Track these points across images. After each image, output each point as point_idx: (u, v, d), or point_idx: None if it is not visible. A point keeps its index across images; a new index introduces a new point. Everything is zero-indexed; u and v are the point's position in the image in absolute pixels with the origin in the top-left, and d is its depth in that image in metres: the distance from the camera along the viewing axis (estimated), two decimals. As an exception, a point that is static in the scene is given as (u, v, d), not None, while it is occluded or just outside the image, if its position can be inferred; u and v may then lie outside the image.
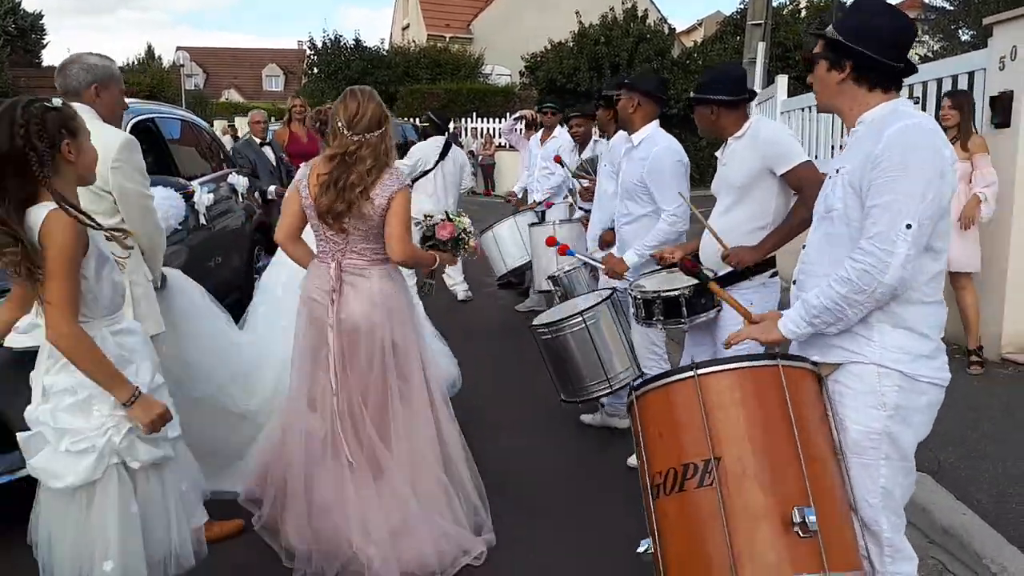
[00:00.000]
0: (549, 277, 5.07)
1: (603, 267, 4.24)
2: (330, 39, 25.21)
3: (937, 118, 5.16)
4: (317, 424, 3.14)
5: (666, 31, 25.66)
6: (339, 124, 2.97)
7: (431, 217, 3.67)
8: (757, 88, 11.71)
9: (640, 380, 2.44)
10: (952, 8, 9.90)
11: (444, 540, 3.09)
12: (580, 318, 4.01)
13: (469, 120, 22.23)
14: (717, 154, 3.51)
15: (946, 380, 2.14)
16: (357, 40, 25.09)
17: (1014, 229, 5.24)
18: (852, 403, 2.13)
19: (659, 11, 27.92)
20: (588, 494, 3.85)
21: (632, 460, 4.12)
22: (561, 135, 7.22)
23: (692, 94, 3.41)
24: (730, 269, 3.27)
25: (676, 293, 3.27)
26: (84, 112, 2.89)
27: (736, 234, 3.30)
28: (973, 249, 5.13)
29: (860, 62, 2.13)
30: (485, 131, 21.67)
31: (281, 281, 4.08)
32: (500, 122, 22.44)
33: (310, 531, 3.08)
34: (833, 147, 7.85)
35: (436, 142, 7.28)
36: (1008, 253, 5.26)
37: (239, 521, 3.34)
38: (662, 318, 3.32)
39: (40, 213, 2.15)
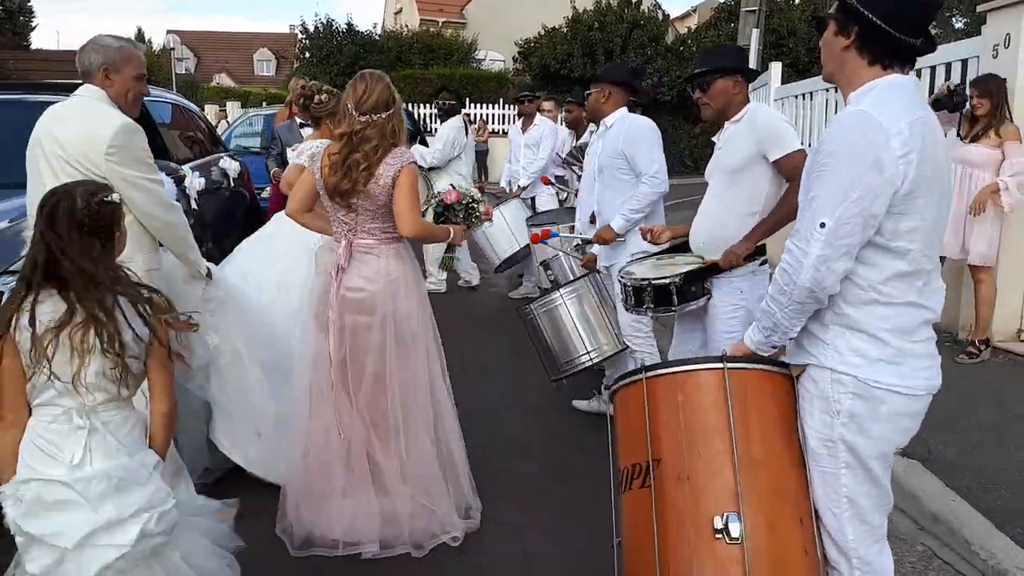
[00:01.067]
0: (541, 263, 5.11)
1: (593, 240, 4.32)
2: (322, 23, 25.01)
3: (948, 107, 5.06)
4: (325, 393, 3.18)
5: (660, 17, 25.58)
6: (348, 105, 3.02)
7: (438, 194, 3.68)
8: (751, 74, 11.69)
9: (615, 378, 2.44)
10: (946, -5, 9.90)
11: (425, 516, 3.16)
12: (558, 292, 4.22)
13: (463, 106, 22.11)
14: (714, 139, 3.50)
15: (914, 388, 1.94)
16: (349, 24, 24.89)
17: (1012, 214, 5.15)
18: (808, 407, 2.02)
19: (653, -2, 27.77)
20: (578, 480, 3.84)
21: (623, 447, 4.19)
22: (542, 123, 7.22)
23: (704, 68, 3.34)
24: (717, 258, 3.25)
25: (667, 281, 3.25)
26: (90, 94, 2.91)
27: (728, 219, 3.29)
28: (993, 241, 4.96)
29: (866, 29, 1.90)
30: (479, 117, 21.54)
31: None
32: (493, 108, 22.44)
33: (309, 509, 3.15)
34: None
35: (458, 121, 7.19)
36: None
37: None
38: (652, 305, 3.30)
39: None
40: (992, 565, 2.95)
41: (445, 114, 7.28)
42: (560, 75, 23.37)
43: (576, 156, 5.85)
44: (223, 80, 42.59)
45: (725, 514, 1.92)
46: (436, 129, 13.51)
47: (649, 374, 2.12)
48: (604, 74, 4.35)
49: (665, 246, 3.63)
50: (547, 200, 7.00)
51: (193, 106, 7.29)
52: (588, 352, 4.25)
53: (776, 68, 9.36)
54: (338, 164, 3.01)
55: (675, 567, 1.94)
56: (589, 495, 3.65)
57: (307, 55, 25.37)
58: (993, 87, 4.97)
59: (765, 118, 3.25)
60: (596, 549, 3.10)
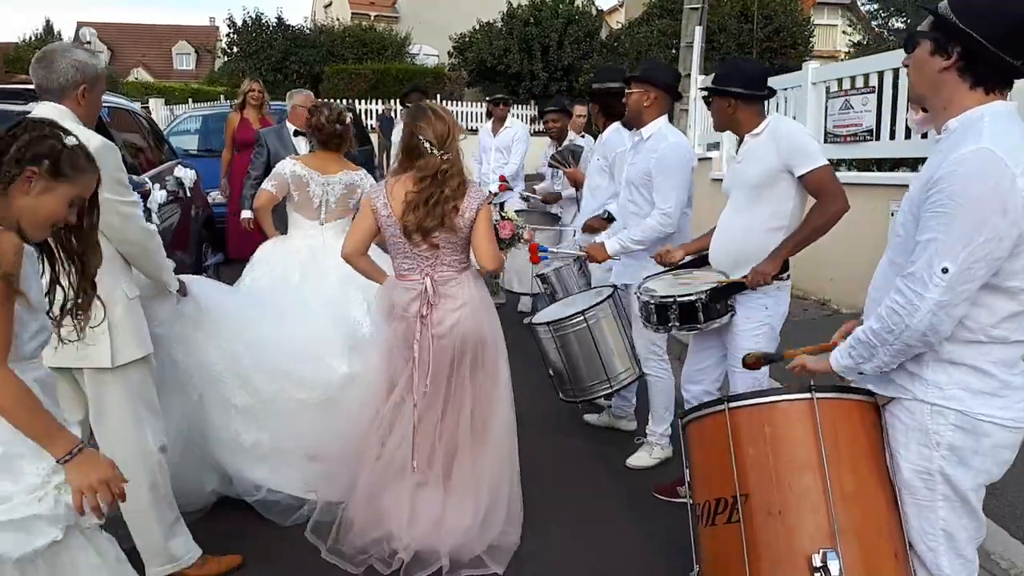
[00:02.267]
0: (537, 275, 4.95)
1: (584, 255, 4.17)
2: (250, 17, 24.25)
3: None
4: (396, 436, 3.17)
5: (594, 13, 25.71)
6: (427, 145, 2.98)
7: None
8: (693, 72, 11.79)
9: (688, 408, 2.36)
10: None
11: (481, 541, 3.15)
12: (582, 316, 3.92)
13: (398, 102, 21.73)
14: (732, 152, 3.44)
15: (1017, 421, 1.88)
16: (279, 19, 24.20)
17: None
18: (903, 439, 1.97)
19: (586, -8, 27.90)
20: (589, 494, 3.81)
21: (631, 460, 4.12)
22: (514, 125, 7.12)
23: (711, 84, 3.30)
24: (744, 274, 3.20)
25: (693, 298, 3.18)
26: (61, 115, 2.56)
27: (751, 235, 3.23)
28: None
29: (971, 50, 1.80)
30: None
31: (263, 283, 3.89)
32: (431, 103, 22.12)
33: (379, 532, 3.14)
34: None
35: None
36: None
37: (237, 557, 3.15)
38: (677, 323, 3.24)
39: None
40: (1015, 574, 2.98)
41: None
42: (497, 71, 23.28)
43: (564, 158, 5.69)
44: (141, 75, 40.91)
45: (822, 551, 1.87)
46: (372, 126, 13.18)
47: (732, 405, 2.06)
48: (651, 74, 3.85)
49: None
50: (516, 203, 6.88)
51: (134, 106, 6.85)
52: (607, 379, 4.01)
53: (730, 67, 9.42)
54: (420, 203, 2.98)
55: None
56: (601, 508, 3.66)
57: (235, 50, 24.56)
58: None
59: (788, 132, 3.18)
60: (613, 561, 3.17)
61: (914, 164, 7.54)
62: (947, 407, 1.88)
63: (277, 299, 3.69)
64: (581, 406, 4.55)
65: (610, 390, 4.05)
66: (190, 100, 22.89)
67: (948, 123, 1.88)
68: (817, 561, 1.86)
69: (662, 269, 3.72)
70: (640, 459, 4.11)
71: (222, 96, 21.96)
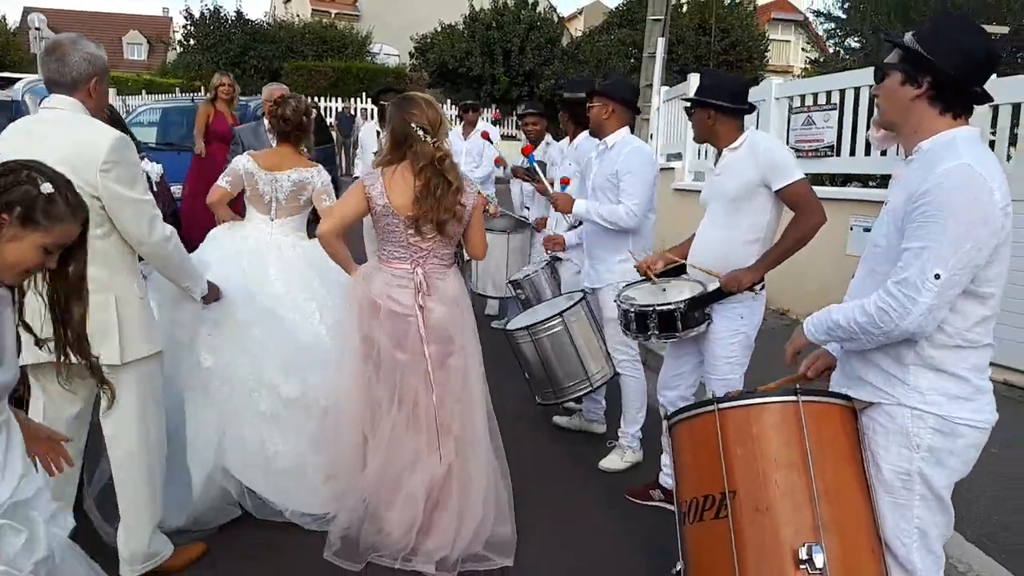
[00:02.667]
0: (511, 281, 5.01)
1: (553, 198, 4.22)
2: (208, 10, 23.85)
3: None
4: (402, 421, 3.17)
5: (555, 20, 25.90)
6: (420, 132, 2.98)
7: None
8: (655, 82, 11.98)
9: (675, 410, 2.43)
10: (844, 16, 10.47)
11: (478, 537, 3.18)
12: (560, 318, 4.02)
13: (359, 100, 21.62)
14: (695, 162, 3.53)
15: (988, 422, 2.03)
16: (239, 12, 23.84)
17: None
18: (884, 441, 2.07)
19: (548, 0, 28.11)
20: (564, 494, 3.87)
21: (603, 463, 4.19)
22: (484, 128, 7.17)
23: (693, 95, 3.38)
24: (717, 275, 3.28)
25: (672, 307, 3.26)
26: (70, 107, 2.61)
27: (730, 246, 3.30)
28: None
29: (940, 81, 1.94)
30: (375, 112, 21.11)
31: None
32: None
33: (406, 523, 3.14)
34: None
35: None
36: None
37: (201, 545, 3.19)
38: (657, 332, 3.32)
39: None
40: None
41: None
42: (459, 73, 23.31)
43: (530, 173, 5.70)
44: (90, 63, 39.80)
45: (807, 544, 1.95)
46: (332, 124, 13.05)
47: (721, 406, 2.13)
48: (610, 89, 4.08)
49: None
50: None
51: None
52: (585, 378, 4.12)
53: (694, 79, 9.60)
54: (427, 194, 2.99)
55: None
56: (578, 509, 3.72)
57: (191, 42, 24.12)
58: None
59: (767, 147, 3.25)
60: (591, 561, 3.23)
61: (866, 180, 7.81)
62: (928, 411, 1.99)
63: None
64: (552, 408, 4.62)
65: (589, 389, 4.13)
66: (143, 91, 22.40)
67: (920, 145, 2.01)
68: (803, 554, 1.93)
69: (630, 274, 3.82)
70: (612, 462, 4.19)
71: (177, 89, 21.55)
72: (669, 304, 3.27)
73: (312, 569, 3.11)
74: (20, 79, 5.08)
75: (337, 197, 3.93)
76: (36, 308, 1.96)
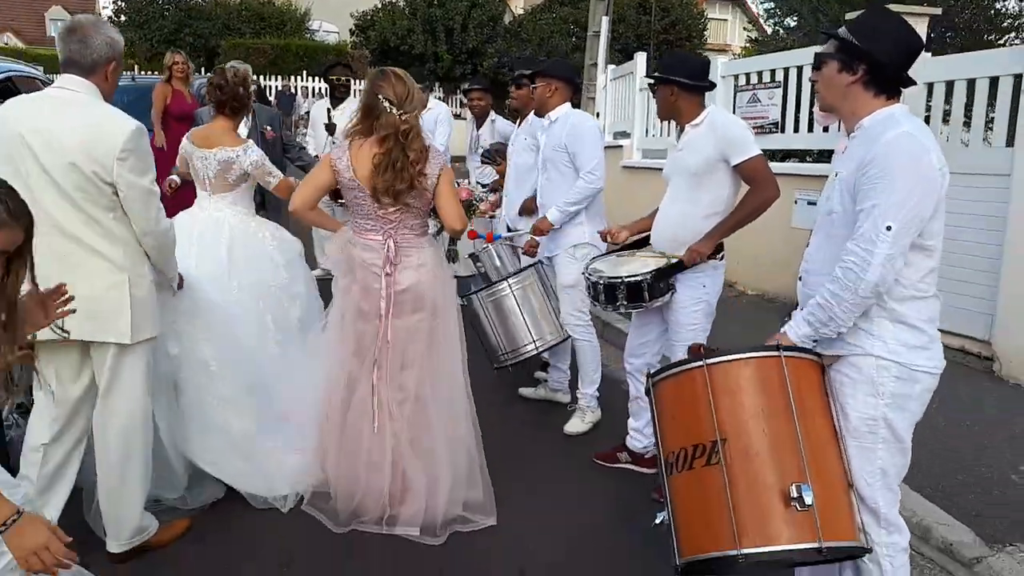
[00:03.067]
0: (470, 255, 5.13)
1: (528, 234, 4.41)
2: (140, -16, 23.05)
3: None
4: (364, 382, 3.28)
5: (497, -3, 25.77)
6: (385, 104, 3.05)
7: None
8: (600, 61, 12.14)
9: (657, 368, 2.58)
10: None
11: (453, 500, 3.29)
12: (505, 283, 4.36)
13: (299, 78, 21.25)
14: (672, 140, 3.68)
15: (939, 368, 2.25)
16: (172, -13, 23.12)
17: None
18: (851, 391, 2.26)
19: (488, -24, 27.90)
20: (534, 462, 4.02)
21: (568, 427, 4.37)
22: (436, 107, 7.17)
23: (655, 73, 3.52)
24: (680, 257, 3.42)
25: (639, 278, 3.41)
26: (85, 90, 2.62)
27: (690, 220, 3.46)
28: None
29: (873, 67, 2.18)
30: (317, 91, 20.81)
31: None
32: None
33: (361, 484, 3.26)
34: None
35: (354, 104, 6.77)
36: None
37: (185, 520, 3.24)
38: (625, 302, 3.46)
39: None
40: (916, 523, 3.34)
41: (339, 94, 6.91)
42: (400, 51, 23.03)
43: (492, 158, 5.82)
44: (10, 40, 38.08)
45: (796, 485, 2.11)
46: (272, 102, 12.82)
47: (710, 361, 2.27)
48: (551, 69, 4.37)
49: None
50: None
51: (37, 72, 6.44)
52: (533, 341, 4.39)
53: (641, 58, 9.79)
54: (385, 165, 3.04)
55: (753, 533, 2.12)
56: (548, 475, 3.88)
57: (122, 19, 23.29)
58: None
59: (725, 123, 3.42)
60: (566, 527, 3.37)
61: (803, 155, 8.11)
62: (890, 360, 2.20)
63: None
64: (520, 381, 4.78)
65: (537, 350, 4.40)
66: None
67: (861, 122, 2.24)
68: (793, 492, 2.10)
69: (585, 244, 4.07)
70: (575, 425, 4.38)
71: (109, 67, 20.81)
72: (636, 276, 3.42)
73: (299, 544, 3.19)
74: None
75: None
76: None
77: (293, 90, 19.89)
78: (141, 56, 21.60)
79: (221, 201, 3.97)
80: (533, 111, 4.65)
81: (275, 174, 4.02)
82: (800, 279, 2.46)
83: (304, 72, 21.67)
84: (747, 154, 3.33)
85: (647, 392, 2.56)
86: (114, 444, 2.84)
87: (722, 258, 3.53)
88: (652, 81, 3.61)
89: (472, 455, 3.40)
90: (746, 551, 2.12)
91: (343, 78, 6.75)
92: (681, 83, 3.43)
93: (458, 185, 3.64)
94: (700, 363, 2.27)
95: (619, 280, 3.43)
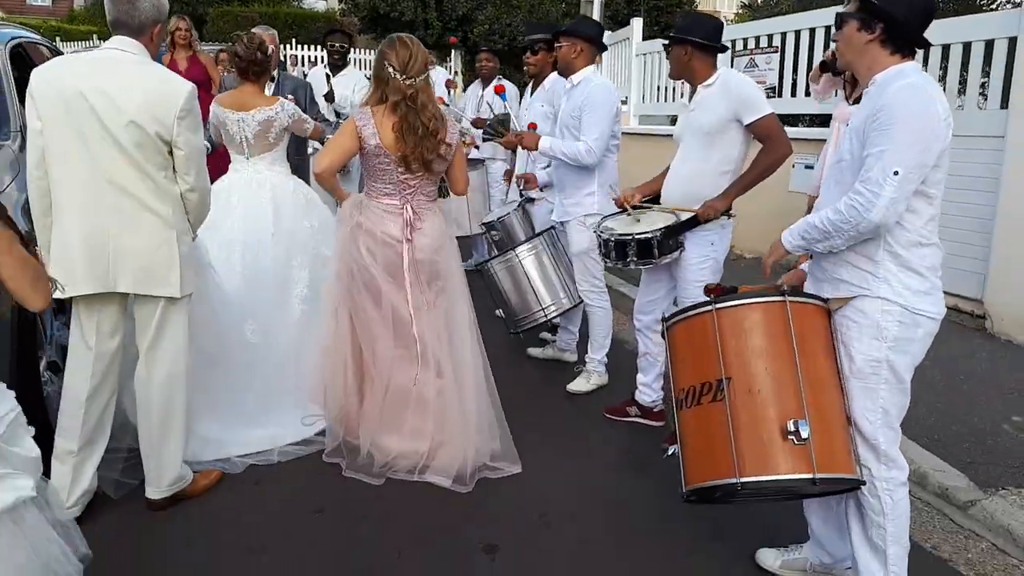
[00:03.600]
0: (484, 223, 5.21)
1: (521, 138, 4.37)
2: (124, -49, 22.60)
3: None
4: (389, 340, 3.41)
5: (487, -38, 25.48)
6: (390, 70, 3.13)
7: None
8: (595, 28, 12.12)
9: (671, 312, 2.70)
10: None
11: (475, 449, 3.43)
12: (517, 250, 4.51)
13: (289, 47, 21.04)
14: (684, 101, 3.76)
15: (940, 314, 2.37)
16: (158, -47, 22.70)
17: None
18: (857, 335, 2.38)
19: (477, -59, 27.55)
20: (546, 417, 4.18)
21: (571, 386, 4.50)
22: (432, 72, 7.17)
23: (671, 34, 3.59)
24: (693, 214, 3.53)
25: (649, 235, 3.51)
26: (137, 50, 2.75)
27: (703, 177, 3.55)
28: None
29: (891, 26, 2.29)
30: (308, 59, 20.63)
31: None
32: (321, 50, 21.49)
33: (392, 428, 3.44)
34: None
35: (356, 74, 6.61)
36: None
37: (218, 471, 3.39)
38: (635, 259, 3.57)
39: None
40: (913, 470, 3.50)
41: (336, 60, 6.89)
42: (390, 18, 22.78)
43: (496, 131, 5.81)
44: (-10, 8, 37.34)
45: (794, 420, 2.27)
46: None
47: (718, 306, 2.43)
48: (577, 28, 4.25)
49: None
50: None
51: (42, 39, 6.29)
52: (544, 308, 4.49)
53: (637, 24, 9.83)
54: (407, 131, 3.13)
55: (752, 463, 2.29)
56: (563, 431, 4.02)
57: (105, -14, 22.92)
58: None
59: (738, 83, 3.51)
60: (579, 476, 3.52)
61: (798, 120, 8.20)
62: (895, 303, 2.33)
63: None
64: (524, 336, 4.94)
65: (550, 316, 4.53)
66: (58, 39, 21.29)
67: (875, 78, 2.35)
68: (791, 427, 2.26)
69: (594, 212, 4.12)
70: (579, 385, 4.51)
71: (95, 36, 20.59)
72: (646, 233, 3.52)
73: (329, 493, 3.33)
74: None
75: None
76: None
77: (283, 58, 19.71)
78: (127, 24, 21.33)
79: (260, 162, 4.03)
80: (557, 72, 4.59)
81: (310, 122, 4.20)
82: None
83: (293, 40, 21.44)
84: (760, 112, 3.41)
85: (662, 335, 2.70)
86: (157, 397, 2.97)
87: (731, 217, 3.63)
88: (666, 42, 3.67)
89: (495, 412, 3.54)
90: (744, 479, 2.29)
91: (341, 45, 6.70)
92: (697, 43, 3.51)
93: None
94: (710, 307, 2.43)
95: (629, 237, 3.54)
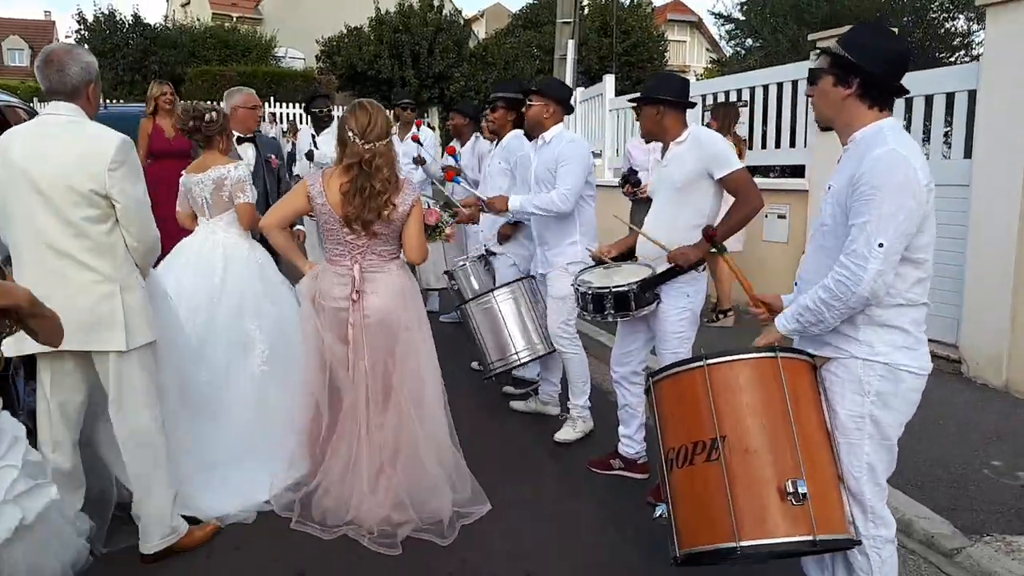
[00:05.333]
0: (445, 272, 5.25)
1: (508, 256, 4.56)
2: (103, 14, 22.87)
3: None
4: (344, 404, 3.40)
5: (461, 22, 26.05)
6: (350, 134, 3.18)
7: None
8: (568, 84, 12.38)
9: (657, 368, 2.69)
10: (743, 18, 11.12)
11: (445, 501, 3.43)
12: (494, 293, 4.55)
13: (267, 105, 21.22)
14: (656, 157, 3.84)
15: (924, 369, 2.35)
16: (136, 16, 22.98)
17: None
18: (840, 390, 2.37)
19: (452, 2, 28.25)
20: (531, 470, 4.15)
21: (558, 435, 4.48)
22: (422, 131, 7.31)
23: (641, 94, 3.67)
24: (669, 266, 3.57)
25: (625, 289, 3.54)
26: (72, 113, 2.80)
27: (675, 231, 3.58)
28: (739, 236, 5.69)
29: (867, 81, 2.28)
30: (287, 117, 20.81)
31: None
32: (298, 108, 21.71)
33: (348, 497, 3.38)
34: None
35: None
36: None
37: (214, 524, 3.37)
38: (612, 311, 3.59)
39: None
40: (898, 518, 3.48)
41: (321, 124, 7.00)
42: (368, 76, 23.13)
43: (449, 209, 5.85)
44: (-33, 70, 37.47)
45: (792, 479, 2.23)
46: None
47: (710, 362, 2.40)
48: (549, 89, 4.42)
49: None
50: (460, 193, 7.00)
51: (17, 101, 6.33)
52: (518, 352, 4.52)
53: (610, 80, 10.06)
54: (354, 193, 3.17)
55: (751, 526, 2.24)
56: (547, 485, 3.98)
57: (86, 47, 23.10)
58: (721, 113, 6.34)
59: (709, 140, 3.57)
60: (566, 532, 3.47)
61: (768, 171, 8.38)
62: (876, 361, 2.32)
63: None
64: (503, 386, 5.00)
65: (523, 360, 4.57)
66: (35, 100, 21.36)
67: (854, 136, 2.36)
68: (789, 487, 2.23)
69: (577, 260, 4.19)
70: (566, 433, 4.49)
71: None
72: (623, 286, 3.55)
73: (307, 557, 3.26)
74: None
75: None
76: None
77: (261, 117, 19.88)
78: (107, 84, 21.45)
79: (218, 223, 4.06)
80: (525, 130, 4.70)
81: (248, 193, 4.09)
82: (796, 285, 2.58)
83: (272, 98, 21.64)
84: (730, 167, 3.47)
85: (647, 392, 2.68)
86: (131, 451, 2.98)
87: (703, 269, 3.67)
88: (634, 103, 3.77)
89: (459, 460, 3.56)
90: (744, 544, 2.23)
91: (325, 109, 6.90)
92: (668, 101, 3.59)
93: (428, 207, 3.78)
94: (701, 364, 2.40)
95: (607, 290, 3.57)
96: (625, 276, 3.66)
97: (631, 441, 4.01)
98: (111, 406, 2.94)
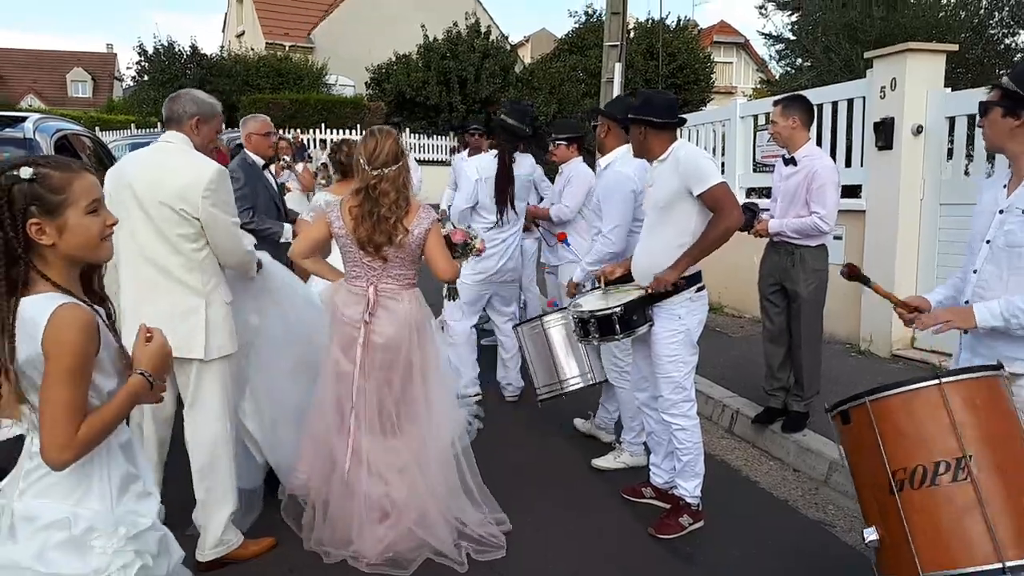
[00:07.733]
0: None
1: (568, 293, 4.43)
2: (162, 46, 23.71)
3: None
4: (341, 426, 3.42)
5: (508, 48, 26.36)
6: (360, 161, 3.30)
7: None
8: (616, 106, 12.37)
9: (872, 388, 2.54)
10: (794, 38, 10.99)
11: (447, 527, 3.40)
12: (542, 319, 4.47)
13: (318, 131, 21.71)
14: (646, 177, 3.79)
15: None
16: (194, 47, 23.77)
17: (899, 238, 5.99)
18: None
19: (499, 28, 28.60)
20: (565, 492, 4.14)
21: (596, 461, 4.40)
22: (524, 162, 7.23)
23: (628, 115, 3.63)
24: (646, 287, 3.51)
25: (608, 312, 3.48)
26: (179, 140, 3.15)
27: (661, 250, 3.50)
28: None
29: None
30: (330, 143, 21.16)
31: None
32: (350, 133, 22.09)
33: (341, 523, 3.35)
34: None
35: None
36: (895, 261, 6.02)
37: (271, 539, 3.43)
38: (597, 335, 3.55)
39: (44, 306, 1.71)
40: None
41: (472, 150, 6.92)
42: (416, 102, 23.55)
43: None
44: (34, 102, 39.09)
45: None
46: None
47: (946, 380, 2.40)
48: (607, 109, 4.35)
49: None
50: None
51: (83, 129, 6.51)
52: (563, 380, 4.39)
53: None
54: (363, 217, 3.27)
55: (1016, 546, 2.21)
56: (579, 507, 3.95)
57: (146, 78, 23.97)
58: None
59: (687, 156, 3.47)
60: (589, 559, 3.44)
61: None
62: None
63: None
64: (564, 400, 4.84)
65: (576, 387, 4.40)
66: (97, 128, 22.16)
67: None
68: None
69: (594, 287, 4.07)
70: (605, 461, 4.42)
71: (133, 125, 21.41)
72: (606, 309, 3.49)
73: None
74: (27, 117, 5.13)
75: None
76: None
77: (305, 142, 20.27)
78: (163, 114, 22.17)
79: None
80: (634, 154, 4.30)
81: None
82: (966, 302, 2.63)
83: (323, 124, 22.12)
84: (708, 183, 3.35)
85: (844, 415, 2.58)
86: (200, 458, 3.15)
87: (699, 290, 3.56)
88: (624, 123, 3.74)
89: (469, 484, 3.55)
90: (1011, 563, 2.19)
91: (476, 133, 7.11)
92: (650, 122, 3.52)
93: (454, 228, 3.79)
94: (936, 382, 2.39)
95: (590, 314, 3.53)
96: (616, 300, 3.59)
97: (659, 470, 3.92)
98: (187, 411, 3.17)
